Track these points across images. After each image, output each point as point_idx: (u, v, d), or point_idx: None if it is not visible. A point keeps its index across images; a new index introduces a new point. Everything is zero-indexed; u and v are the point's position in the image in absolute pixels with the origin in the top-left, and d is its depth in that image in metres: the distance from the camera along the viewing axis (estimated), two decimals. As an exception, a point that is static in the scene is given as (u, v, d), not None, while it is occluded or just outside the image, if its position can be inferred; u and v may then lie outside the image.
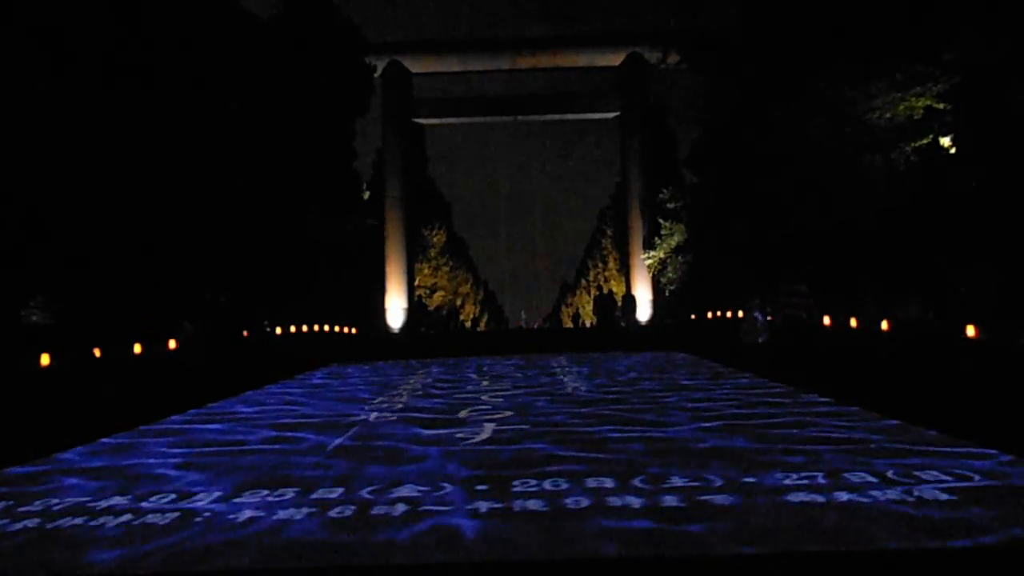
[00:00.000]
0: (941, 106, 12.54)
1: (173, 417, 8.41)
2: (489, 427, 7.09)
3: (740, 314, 15.50)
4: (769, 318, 13.76)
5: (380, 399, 9.59)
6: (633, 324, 25.26)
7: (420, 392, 10.33)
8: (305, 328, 17.79)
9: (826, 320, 12.57)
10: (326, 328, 19.66)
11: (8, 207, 10.13)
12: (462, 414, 8.03)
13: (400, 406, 8.87)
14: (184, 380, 10.32)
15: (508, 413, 7.99)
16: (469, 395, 9.79)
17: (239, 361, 12.46)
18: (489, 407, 8.50)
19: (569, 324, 47.48)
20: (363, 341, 21.70)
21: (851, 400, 7.84)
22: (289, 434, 7.05)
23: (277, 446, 6.48)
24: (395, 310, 29.14)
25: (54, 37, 10.87)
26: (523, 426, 7.12)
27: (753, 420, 7.07)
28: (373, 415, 8.17)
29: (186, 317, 12.33)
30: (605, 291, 29.96)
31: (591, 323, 39.47)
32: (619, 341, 21.62)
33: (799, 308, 13.35)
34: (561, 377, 11.80)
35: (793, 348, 12.16)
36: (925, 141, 12.94)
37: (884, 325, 10.82)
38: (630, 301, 26.73)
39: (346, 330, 21.44)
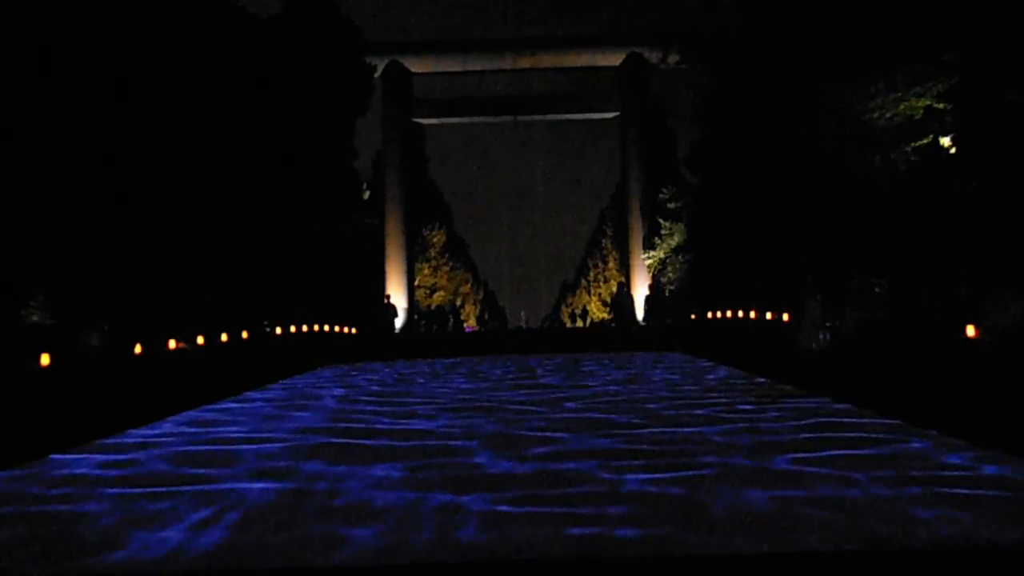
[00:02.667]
0: (941, 106, 12.54)
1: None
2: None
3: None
4: (828, 322, 10.68)
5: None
6: (638, 324, 25.14)
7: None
8: (305, 328, 17.79)
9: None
10: (326, 328, 19.66)
11: (6, 206, 10.13)
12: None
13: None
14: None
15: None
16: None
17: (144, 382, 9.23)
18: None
19: (569, 324, 47.44)
20: (362, 342, 21.71)
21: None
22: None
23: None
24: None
25: (52, 37, 10.87)
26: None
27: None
28: None
29: (189, 321, 12.04)
30: (624, 289, 29.32)
31: (593, 321, 39.42)
32: (631, 341, 21.62)
33: (874, 308, 10.77)
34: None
35: (889, 362, 8.68)
36: (925, 141, 12.94)
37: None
38: (630, 299, 26.70)
39: (346, 330, 21.44)
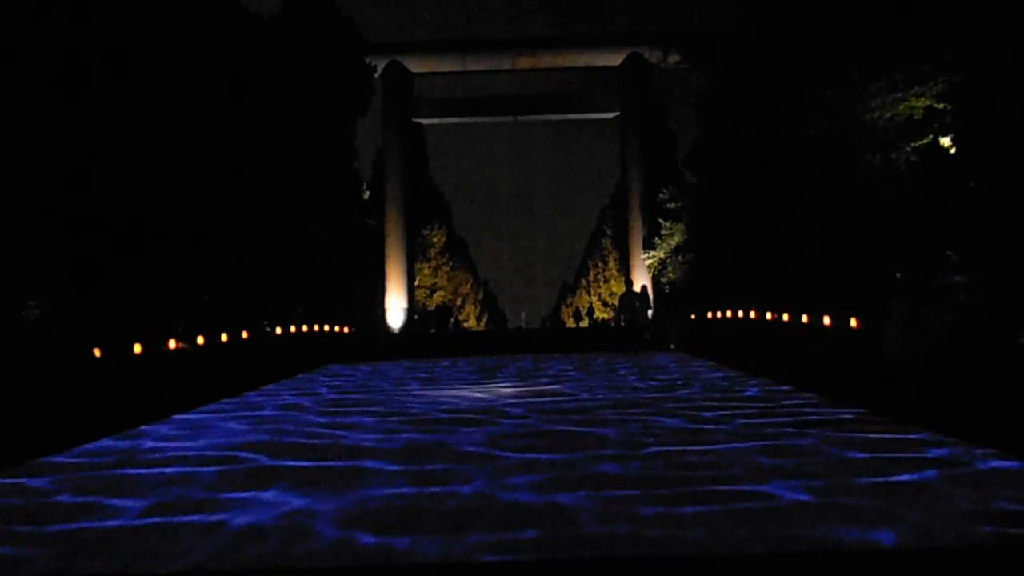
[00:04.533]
0: (941, 106, 12.52)
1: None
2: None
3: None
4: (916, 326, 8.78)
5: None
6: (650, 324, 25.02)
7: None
8: (306, 328, 17.79)
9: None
10: (326, 328, 19.66)
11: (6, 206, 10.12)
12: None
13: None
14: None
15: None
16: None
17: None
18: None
19: (572, 324, 47.40)
20: (360, 341, 21.70)
21: None
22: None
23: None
24: (395, 310, 29.18)
25: (52, 37, 10.86)
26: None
27: None
28: None
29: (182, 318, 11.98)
30: (635, 286, 28.72)
31: (595, 321, 39.34)
32: (647, 343, 21.59)
33: (961, 307, 8.85)
34: None
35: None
36: (925, 141, 12.92)
37: None
38: (646, 297, 26.55)
39: (345, 329, 21.44)
